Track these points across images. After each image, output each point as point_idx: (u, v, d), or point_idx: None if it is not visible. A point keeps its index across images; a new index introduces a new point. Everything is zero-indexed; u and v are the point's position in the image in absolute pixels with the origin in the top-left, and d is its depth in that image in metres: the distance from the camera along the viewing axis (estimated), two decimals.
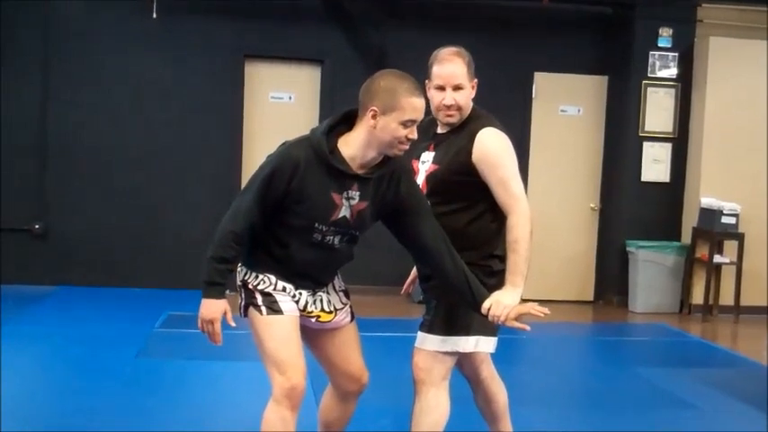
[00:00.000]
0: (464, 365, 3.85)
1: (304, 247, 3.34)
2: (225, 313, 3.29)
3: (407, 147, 3.31)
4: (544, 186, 9.51)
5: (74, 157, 9.04)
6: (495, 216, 3.55)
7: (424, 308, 3.71)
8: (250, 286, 3.39)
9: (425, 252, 3.46)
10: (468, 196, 3.56)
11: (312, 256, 3.36)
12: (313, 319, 3.48)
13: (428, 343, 3.58)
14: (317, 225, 3.30)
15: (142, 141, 9.14)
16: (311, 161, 3.24)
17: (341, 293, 3.59)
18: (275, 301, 3.35)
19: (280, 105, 9.38)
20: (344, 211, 3.31)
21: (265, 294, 3.36)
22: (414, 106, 3.24)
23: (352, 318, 3.63)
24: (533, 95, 9.68)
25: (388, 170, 3.36)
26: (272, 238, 3.35)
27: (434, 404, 3.57)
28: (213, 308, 3.27)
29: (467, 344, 3.58)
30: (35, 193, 9.01)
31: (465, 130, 3.57)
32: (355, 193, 3.31)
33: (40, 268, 8.94)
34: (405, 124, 3.23)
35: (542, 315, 3.39)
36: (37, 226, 9.01)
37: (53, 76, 8.99)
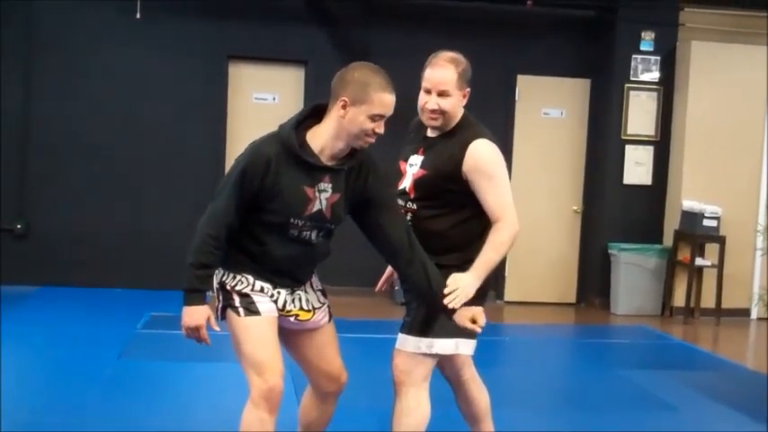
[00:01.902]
0: (445, 367, 3.85)
1: (282, 243, 3.34)
2: (208, 318, 3.29)
3: (373, 140, 3.33)
4: (527, 189, 9.51)
5: (55, 158, 9.00)
6: (480, 222, 3.55)
7: (405, 309, 3.71)
8: (228, 287, 3.38)
9: (388, 243, 3.47)
10: (454, 202, 3.57)
11: (290, 252, 3.36)
12: (292, 318, 3.47)
13: (408, 344, 3.59)
14: (292, 220, 3.31)
15: (125, 142, 9.11)
16: (281, 156, 3.26)
17: (318, 293, 3.60)
18: (253, 302, 3.35)
19: (263, 106, 9.37)
20: (319, 205, 3.32)
21: (243, 295, 3.36)
22: (383, 102, 3.27)
23: (330, 318, 3.63)
24: (516, 98, 9.71)
25: (357, 161, 3.38)
26: (248, 237, 3.35)
27: (414, 405, 3.58)
28: (196, 315, 3.27)
29: (446, 346, 3.58)
30: (17, 193, 8.96)
31: (456, 137, 3.58)
32: (327, 186, 3.33)
33: (21, 269, 8.87)
34: (372, 118, 3.26)
35: (478, 330, 3.45)
36: (18, 226, 8.97)
37: (36, 76, 8.95)
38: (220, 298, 3.42)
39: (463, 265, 3.55)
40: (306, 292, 3.53)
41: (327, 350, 3.59)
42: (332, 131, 3.30)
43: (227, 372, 5.75)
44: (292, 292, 3.47)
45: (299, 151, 3.27)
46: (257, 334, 3.33)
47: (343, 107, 3.26)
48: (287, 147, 3.27)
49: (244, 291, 3.36)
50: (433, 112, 3.56)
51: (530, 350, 7.51)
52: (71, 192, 9.04)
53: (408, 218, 3.60)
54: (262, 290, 3.37)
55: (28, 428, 4.64)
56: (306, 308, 3.50)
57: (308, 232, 3.36)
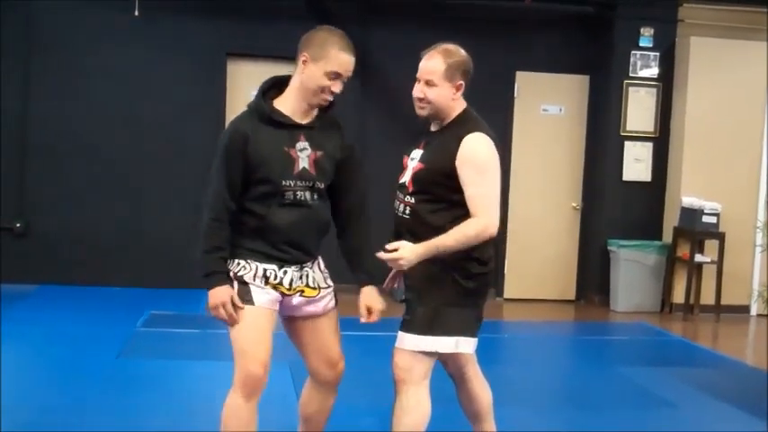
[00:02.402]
0: (449, 364, 3.85)
1: (281, 210, 3.43)
2: (232, 297, 3.38)
3: (330, 97, 3.46)
4: (526, 185, 9.52)
5: (55, 156, 9.00)
6: None
7: (404, 307, 3.71)
8: (230, 274, 3.44)
9: (345, 201, 3.62)
10: (450, 197, 3.56)
11: (291, 217, 3.44)
12: (297, 294, 3.52)
13: (407, 342, 3.59)
14: (284, 182, 3.40)
15: (124, 140, 9.11)
16: (257, 126, 3.42)
17: (325, 274, 3.66)
18: (248, 292, 3.42)
19: None
20: (303, 163, 3.44)
21: (242, 283, 3.43)
22: (340, 60, 3.40)
23: (336, 303, 3.69)
24: (515, 94, 9.70)
25: (329, 120, 3.53)
26: (248, 214, 3.44)
27: (414, 403, 3.58)
28: (220, 294, 3.38)
29: (446, 344, 3.58)
30: (16, 191, 8.96)
31: (453, 131, 3.59)
32: (305, 144, 3.46)
33: (20, 267, 8.87)
34: (329, 75, 3.40)
35: (362, 320, 3.55)
36: (18, 224, 8.97)
37: (35, 75, 8.94)
38: None
39: (462, 262, 3.54)
40: (313, 270, 3.59)
41: (329, 335, 3.65)
42: (295, 90, 3.46)
43: (227, 370, 5.74)
44: (301, 269, 3.53)
45: (271, 114, 3.42)
46: (246, 323, 3.41)
47: (304, 62, 3.41)
48: (260, 113, 3.43)
49: (245, 278, 3.43)
50: (420, 100, 3.62)
51: (529, 347, 7.51)
52: (71, 191, 9.03)
53: (407, 212, 3.62)
54: (265, 275, 3.44)
55: (28, 428, 4.64)
56: (312, 285, 3.57)
57: (302, 193, 3.45)
